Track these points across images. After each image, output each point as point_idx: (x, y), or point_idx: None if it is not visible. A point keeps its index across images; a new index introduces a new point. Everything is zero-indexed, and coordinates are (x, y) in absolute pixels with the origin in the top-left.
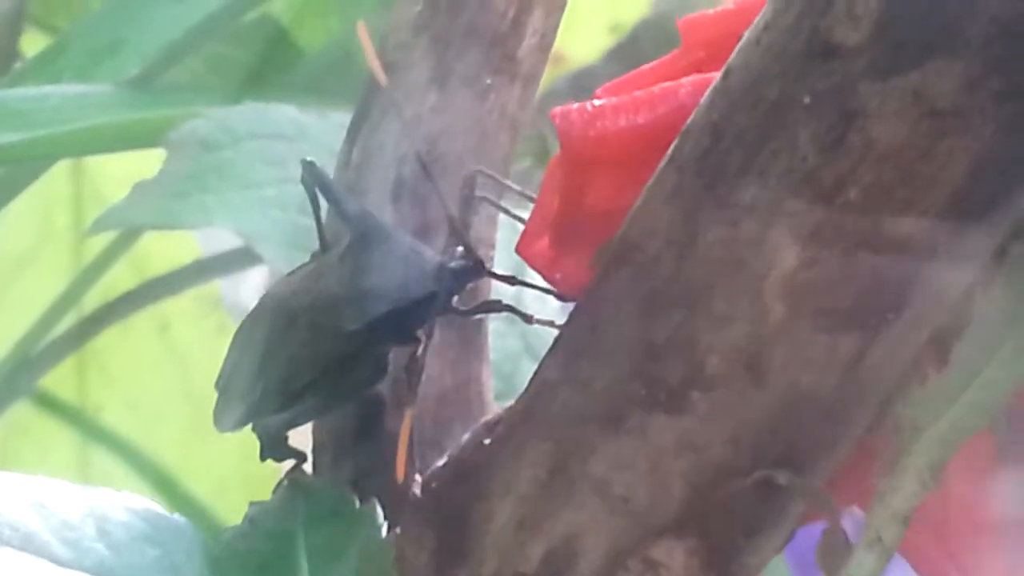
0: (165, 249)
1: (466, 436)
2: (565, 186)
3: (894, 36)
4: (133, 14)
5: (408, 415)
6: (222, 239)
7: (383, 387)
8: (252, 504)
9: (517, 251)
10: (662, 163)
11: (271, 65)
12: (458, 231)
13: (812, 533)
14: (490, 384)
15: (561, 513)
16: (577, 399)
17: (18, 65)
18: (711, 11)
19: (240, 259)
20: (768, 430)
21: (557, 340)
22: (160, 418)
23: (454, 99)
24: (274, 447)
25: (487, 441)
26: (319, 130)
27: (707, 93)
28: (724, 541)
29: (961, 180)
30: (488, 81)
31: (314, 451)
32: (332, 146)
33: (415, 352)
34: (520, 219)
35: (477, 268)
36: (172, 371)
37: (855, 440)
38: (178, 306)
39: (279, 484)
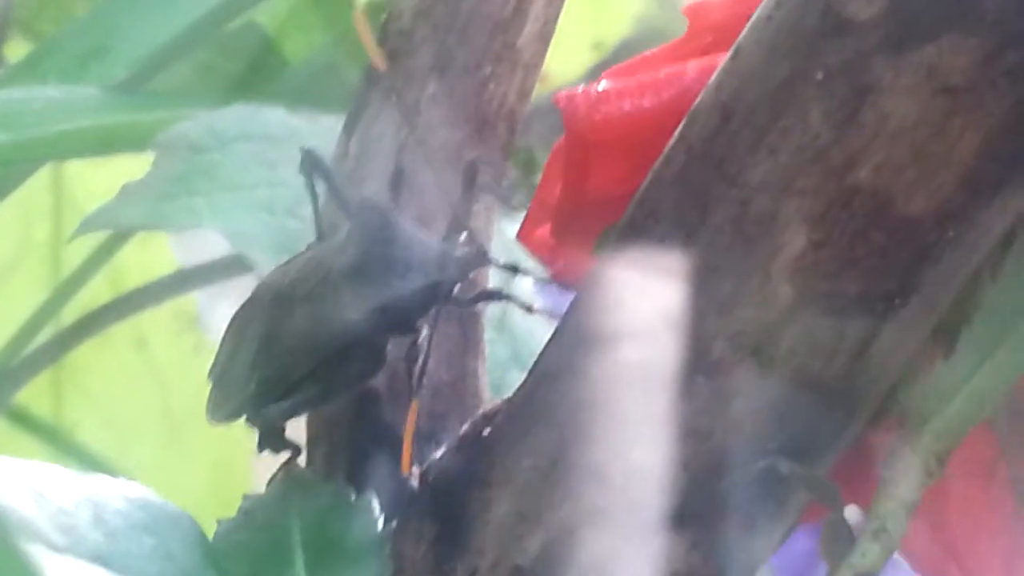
0: (143, 264)
1: (464, 427)
2: (568, 171)
3: (908, 10)
4: (118, 20)
5: (413, 406)
6: (200, 252)
7: (378, 379)
8: (246, 496)
9: (518, 239)
10: (670, 143)
11: (257, 73)
12: (460, 219)
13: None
14: (485, 379)
15: (561, 504)
16: (578, 389)
17: (1, 70)
18: None
19: (218, 271)
20: (772, 417)
21: (558, 329)
22: (135, 437)
23: (454, 87)
24: (271, 438)
25: (486, 432)
26: (308, 133)
27: (716, 72)
28: (725, 532)
29: (972, 159)
30: (489, 69)
31: (309, 444)
32: (322, 148)
33: (415, 341)
34: (520, 207)
35: (481, 256)
36: (149, 389)
37: (860, 430)
38: (155, 323)
39: (273, 477)
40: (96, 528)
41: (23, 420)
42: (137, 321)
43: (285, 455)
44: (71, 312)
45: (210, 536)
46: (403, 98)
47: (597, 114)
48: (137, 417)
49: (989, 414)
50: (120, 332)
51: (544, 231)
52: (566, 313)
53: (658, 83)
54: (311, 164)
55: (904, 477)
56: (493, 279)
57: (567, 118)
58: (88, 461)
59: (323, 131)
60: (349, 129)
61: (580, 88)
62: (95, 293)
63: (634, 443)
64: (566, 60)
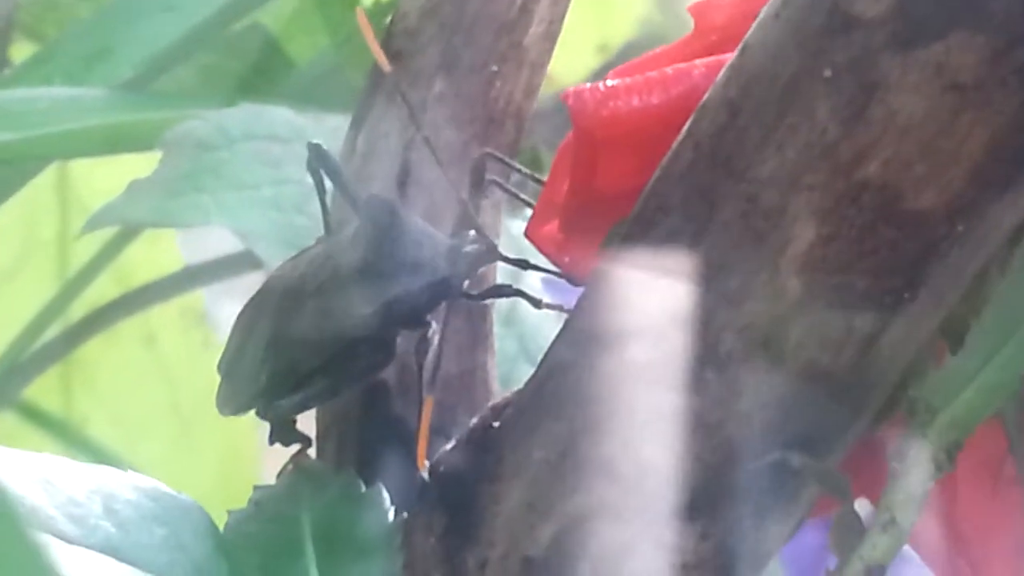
0: (150, 260)
1: (474, 420)
2: (576, 167)
3: (915, 8)
4: (122, 22)
5: (428, 402)
6: (207, 249)
7: (387, 372)
8: (257, 488)
9: (526, 235)
10: (678, 140)
11: (262, 74)
12: (469, 215)
13: (808, 538)
14: (495, 372)
15: (571, 495)
16: (587, 382)
17: (7, 72)
18: None
19: (225, 268)
20: (782, 410)
21: (567, 323)
22: (145, 432)
23: (461, 86)
24: (282, 431)
25: (496, 424)
26: (314, 132)
27: (724, 69)
28: (736, 524)
29: (981, 156)
30: (495, 68)
31: (318, 436)
32: (328, 147)
33: (424, 335)
34: (528, 203)
35: (490, 251)
36: (157, 385)
37: (869, 424)
38: (163, 319)
39: (283, 468)
40: (107, 519)
41: (33, 415)
42: (145, 317)
43: (295, 448)
44: (79, 309)
45: (221, 527)
46: (409, 97)
47: (605, 110)
48: (146, 413)
49: (998, 408)
50: (128, 328)
51: (552, 227)
52: (575, 308)
53: (666, 80)
54: (318, 159)
55: (914, 470)
56: (501, 275)
57: (575, 114)
58: (98, 456)
59: (329, 131)
60: (356, 127)
61: (588, 85)
62: (103, 290)
63: (643, 436)
64: (571, 62)
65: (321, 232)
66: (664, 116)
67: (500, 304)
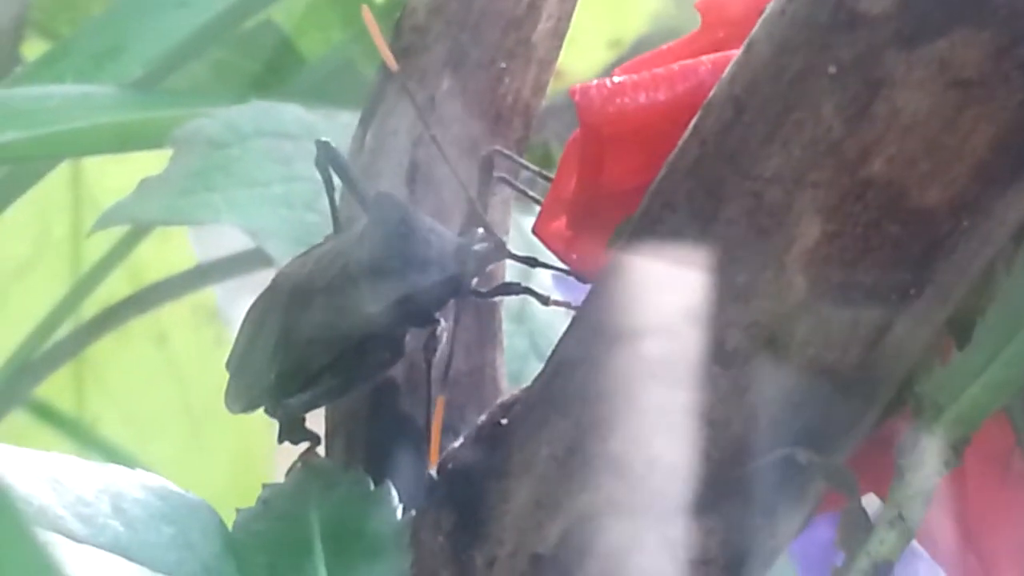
0: (161, 258)
1: (483, 417)
2: (583, 164)
3: (920, 5)
4: (134, 20)
5: (440, 402)
6: (218, 248)
7: (396, 369)
8: (266, 486)
9: (533, 232)
10: (684, 136)
11: (273, 71)
12: (478, 212)
13: (815, 534)
14: (503, 370)
15: (579, 493)
16: (595, 378)
17: (19, 69)
18: None
19: (236, 266)
20: (789, 407)
21: (575, 319)
22: (156, 430)
23: (469, 82)
24: (291, 429)
25: (504, 421)
26: (325, 129)
27: (729, 66)
28: (743, 521)
29: (985, 152)
30: (503, 65)
31: (327, 434)
32: (338, 144)
33: (433, 332)
34: (537, 200)
35: (499, 249)
36: (169, 383)
37: (876, 420)
38: (175, 317)
39: (292, 467)
40: (115, 517)
41: (45, 414)
42: (157, 316)
43: (304, 447)
44: (91, 307)
45: (229, 526)
46: (417, 94)
47: (612, 107)
48: (158, 411)
49: (1004, 403)
50: (140, 327)
51: (560, 224)
52: (583, 305)
53: (672, 76)
54: (326, 157)
55: (921, 466)
56: (510, 271)
57: (582, 111)
58: (110, 454)
59: (339, 127)
60: (365, 124)
61: (595, 81)
62: (114, 288)
63: (651, 432)
64: (582, 57)
65: (331, 229)
66: (670, 113)
67: (510, 301)
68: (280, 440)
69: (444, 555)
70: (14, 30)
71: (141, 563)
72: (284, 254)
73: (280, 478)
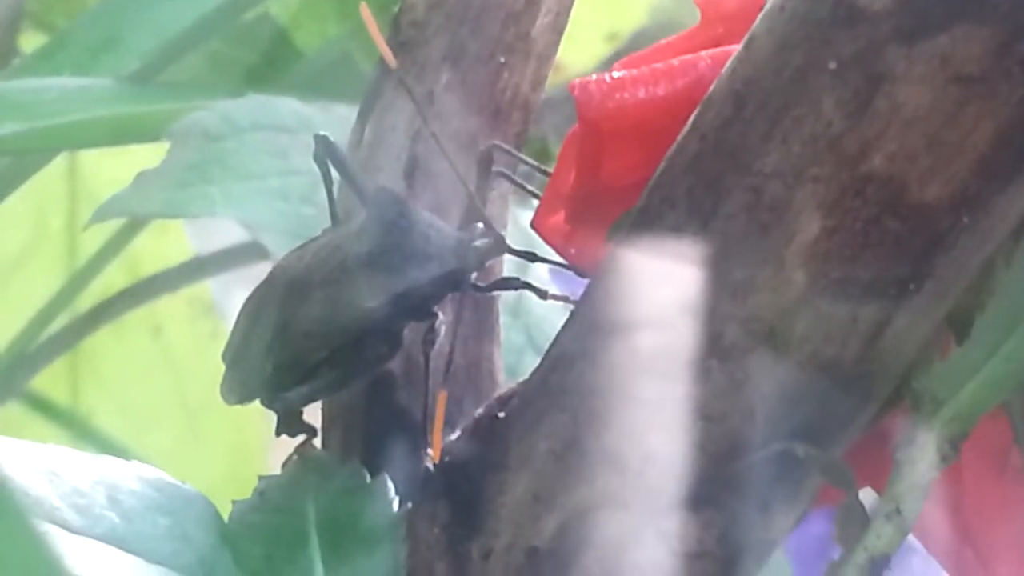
0: (158, 251)
1: (480, 410)
2: (582, 159)
3: (920, 0)
4: (131, 12)
5: (442, 396)
6: (215, 241)
7: (393, 363)
8: (262, 478)
9: (532, 226)
10: (683, 131)
11: (270, 64)
12: (477, 207)
13: (812, 528)
14: (500, 363)
15: (576, 486)
16: (592, 372)
17: (16, 61)
18: None
19: (233, 259)
20: (787, 401)
21: (573, 314)
22: (152, 423)
23: (467, 77)
24: (289, 422)
25: (501, 415)
26: (322, 122)
27: (729, 61)
28: (740, 515)
29: (986, 147)
30: (502, 59)
31: (324, 427)
32: (335, 138)
33: (431, 326)
34: (535, 194)
35: (498, 244)
36: (165, 376)
37: (874, 414)
38: (172, 310)
39: (288, 459)
40: (111, 509)
41: (41, 406)
42: (153, 308)
43: (301, 439)
44: (87, 299)
45: (225, 517)
46: (415, 89)
47: (611, 102)
48: (154, 403)
49: (1003, 399)
50: (136, 319)
51: (558, 218)
52: (581, 299)
53: (672, 71)
54: (324, 150)
55: (918, 460)
56: (506, 265)
57: (581, 106)
58: (105, 446)
59: (336, 120)
60: (363, 118)
61: (594, 76)
62: (111, 280)
63: (649, 426)
64: (581, 51)
65: (328, 223)
66: (670, 108)
67: (506, 295)
68: (278, 432)
69: (440, 547)
70: (11, 22)
71: (137, 554)
72: (280, 247)
73: (276, 470)
